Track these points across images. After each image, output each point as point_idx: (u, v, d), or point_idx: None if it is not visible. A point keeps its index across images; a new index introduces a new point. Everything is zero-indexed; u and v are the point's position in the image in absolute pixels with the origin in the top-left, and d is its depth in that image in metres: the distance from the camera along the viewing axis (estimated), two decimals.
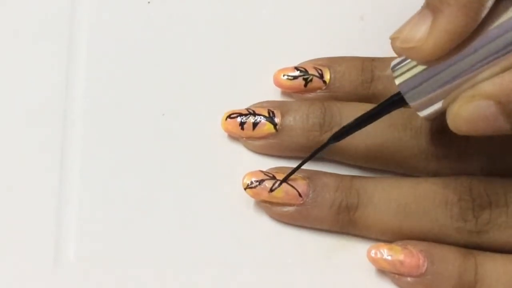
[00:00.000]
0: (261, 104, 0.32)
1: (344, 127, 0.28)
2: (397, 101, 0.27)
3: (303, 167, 0.30)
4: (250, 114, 0.31)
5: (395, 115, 0.30)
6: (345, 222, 0.30)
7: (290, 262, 0.30)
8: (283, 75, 0.32)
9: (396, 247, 0.29)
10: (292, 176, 0.30)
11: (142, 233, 0.31)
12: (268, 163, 0.31)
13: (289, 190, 0.30)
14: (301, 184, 0.30)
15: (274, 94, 0.33)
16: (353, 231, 0.30)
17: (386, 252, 0.29)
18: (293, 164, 0.31)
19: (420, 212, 0.29)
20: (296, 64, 0.32)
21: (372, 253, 0.29)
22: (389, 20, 0.34)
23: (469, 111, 0.25)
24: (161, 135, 0.32)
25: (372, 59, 0.31)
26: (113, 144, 0.32)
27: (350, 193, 0.29)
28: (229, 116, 0.31)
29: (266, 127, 0.31)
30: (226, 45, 0.34)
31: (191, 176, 0.32)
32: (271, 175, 0.30)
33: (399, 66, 0.27)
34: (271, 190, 0.30)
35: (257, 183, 0.30)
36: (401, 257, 0.28)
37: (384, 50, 0.33)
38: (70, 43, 0.34)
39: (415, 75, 0.26)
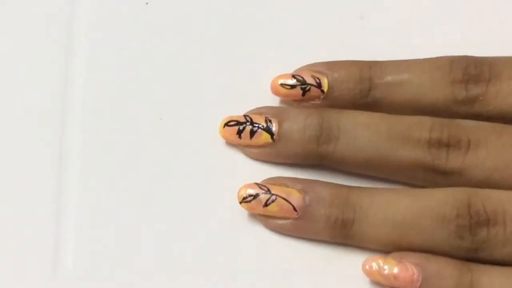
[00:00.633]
0: (259, 110, 0.31)
1: None
2: None
3: (300, 175, 0.30)
4: (247, 122, 0.31)
5: (394, 127, 0.29)
6: (341, 236, 0.30)
7: (288, 269, 0.30)
8: (281, 84, 0.31)
9: (391, 260, 0.29)
10: (288, 189, 0.30)
11: (140, 239, 0.31)
12: (266, 169, 0.31)
13: (283, 205, 0.29)
14: (296, 199, 0.29)
15: (273, 96, 0.32)
16: (350, 244, 0.30)
17: (380, 266, 0.29)
18: (291, 171, 0.31)
19: (416, 228, 0.28)
20: (294, 66, 0.32)
21: (367, 266, 0.29)
22: (390, 20, 0.34)
23: None
24: (159, 139, 0.32)
25: (370, 66, 0.31)
26: (112, 148, 0.32)
27: (346, 208, 0.29)
28: (226, 124, 0.31)
29: (263, 136, 0.30)
30: (225, 44, 0.33)
31: (189, 181, 0.31)
32: (266, 189, 0.30)
33: None
34: (266, 204, 0.30)
35: (252, 197, 0.30)
36: (395, 271, 0.28)
37: (384, 49, 0.33)
38: (69, 44, 0.33)
39: None
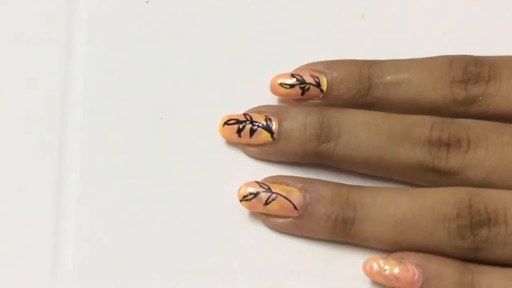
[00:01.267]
0: (258, 109, 0.31)
1: None
2: None
3: (300, 174, 0.30)
4: (247, 121, 0.31)
5: (394, 127, 0.29)
6: (341, 235, 0.29)
7: (288, 269, 0.30)
8: (280, 83, 0.31)
9: (392, 260, 0.29)
10: (288, 188, 0.30)
11: (140, 240, 0.31)
12: (266, 168, 0.31)
13: (284, 203, 0.29)
14: (296, 197, 0.29)
15: (273, 95, 0.32)
16: (350, 242, 0.30)
17: (381, 266, 0.29)
18: (291, 170, 0.31)
19: (417, 228, 0.28)
20: (294, 65, 0.32)
21: (368, 267, 0.29)
22: (391, 19, 0.34)
23: None
24: (160, 138, 0.32)
25: (370, 65, 0.31)
26: (112, 147, 0.32)
27: (346, 206, 0.29)
28: (226, 123, 0.31)
29: (263, 135, 0.30)
30: (225, 44, 0.33)
31: (189, 180, 0.31)
32: (266, 187, 0.30)
33: None
34: (266, 203, 0.29)
35: (252, 195, 0.30)
36: (396, 271, 0.28)
37: (385, 49, 0.33)
38: (68, 44, 0.33)
39: None
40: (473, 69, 0.30)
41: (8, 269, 0.30)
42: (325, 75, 0.31)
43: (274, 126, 0.30)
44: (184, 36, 0.33)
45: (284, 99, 0.32)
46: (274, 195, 0.29)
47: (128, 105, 0.32)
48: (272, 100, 0.32)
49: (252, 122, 0.31)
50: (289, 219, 0.30)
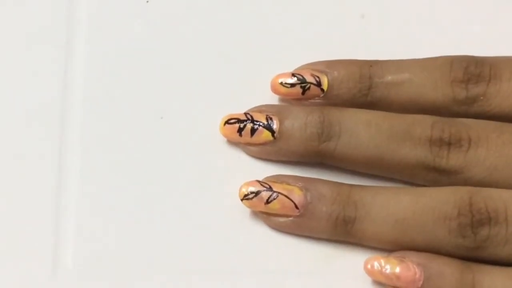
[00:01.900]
0: (259, 108, 0.31)
1: None
2: None
3: (301, 173, 0.30)
4: (248, 120, 0.31)
5: (395, 126, 0.29)
6: (342, 234, 0.29)
7: (288, 268, 0.30)
8: (280, 82, 0.31)
9: (393, 260, 0.29)
10: (289, 187, 0.30)
11: (140, 239, 0.31)
12: (267, 167, 0.31)
13: (285, 202, 0.29)
14: (297, 196, 0.29)
15: (273, 95, 0.32)
16: (352, 241, 0.30)
17: (382, 265, 0.29)
18: (292, 169, 0.31)
19: (418, 227, 0.28)
20: (295, 65, 0.32)
21: (369, 266, 0.29)
22: (391, 19, 0.34)
23: None
24: (160, 138, 0.32)
25: (370, 65, 0.31)
26: (112, 147, 0.32)
27: (347, 205, 0.29)
28: (227, 122, 0.31)
29: (264, 134, 0.30)
30: (225, 43, 0.33)
31: (190, 180, 0.31)
32: (267, 186, 0.30)
33: None
34: (267, 202, 0.29)
35: (253, 194, 0.30)
36: (397, 270, 0.28)
37: (385, 49, 0.33)
38: (68, 44, 0.33)
39: None
40: (473, 69, 0.30)
41: (8, 269, 0.30)
42: (326, 74, 0.31)
43: (275, 125, 0.30)
44: (184, 36, 0.33)
45: (284, 98, 0.32)
46: (275, 194, 0.29)
47: (128, 105, 0.32)
48: (272, 99, 0.32)
49: (253, 121, 0.31)
50: (290, 218, 0.30)
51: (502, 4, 0.34)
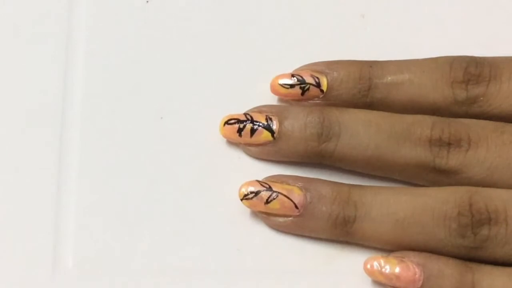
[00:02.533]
0: (259, 109, 0.31)
1: None
2: None
3: (301, 173, 0.30)
4: (248, 120, 0.31)
5: (395, 126, 0.29)
6: (342, 234, 0.29)
7: (288, 268, 0.30)
8: (280, 83, 0.31)
9: (393, 259, 0.29)
10: (289, 187, 0.30)
11: (140, 239, 0.31)
12: (267, 167, 0.31)
13: (285, 202, 0.29)
14: (297, 196, 0.29)
15: (273, 95, 0.32)
16: (351, 241, 0.30)
17: (382, 265, 0.29)
18: (292, 169, 0.31)
19: (418, 227, 0.28)
20: (295, 65, 0.32)
21: (368, 266, 0.29)
22: (391, 18, 0.34)
23: None
24: (160, 138, 0.32)
25: (370, 65, 0.31)
26: (112, 147, 0.32)
27: (347, 205, 0.29)
28: (227, 122, 0.31)
29: (263, 134, 0.30)
30: (225, 44, 0.33)
31: (190, 181, 0.31)
32: (267, 186, 0.30)
33: None
34: (267, 202, 0.29)
35: (253, 194, 0.30)
36: (397, 270, 0.28)
37: (385, 49, 0.33)
38: (68, 43, 0.33)
39: None
40: (473, 70, 0.30)
41: (8, 269, 0.30)
42: (326, 75, 0.31)
43: (274, 125, 0.30)
44: (184, 36, 0.33)
45: (284, 99, 0.32)
46: (275, 194, 0.29)
47: (128, 105, 0.32)
48: (272, 100, 0.32)
49: (252, 121, 0.31)
50: (290, 218, 0.30)
51: (502, 4, 0.34)
